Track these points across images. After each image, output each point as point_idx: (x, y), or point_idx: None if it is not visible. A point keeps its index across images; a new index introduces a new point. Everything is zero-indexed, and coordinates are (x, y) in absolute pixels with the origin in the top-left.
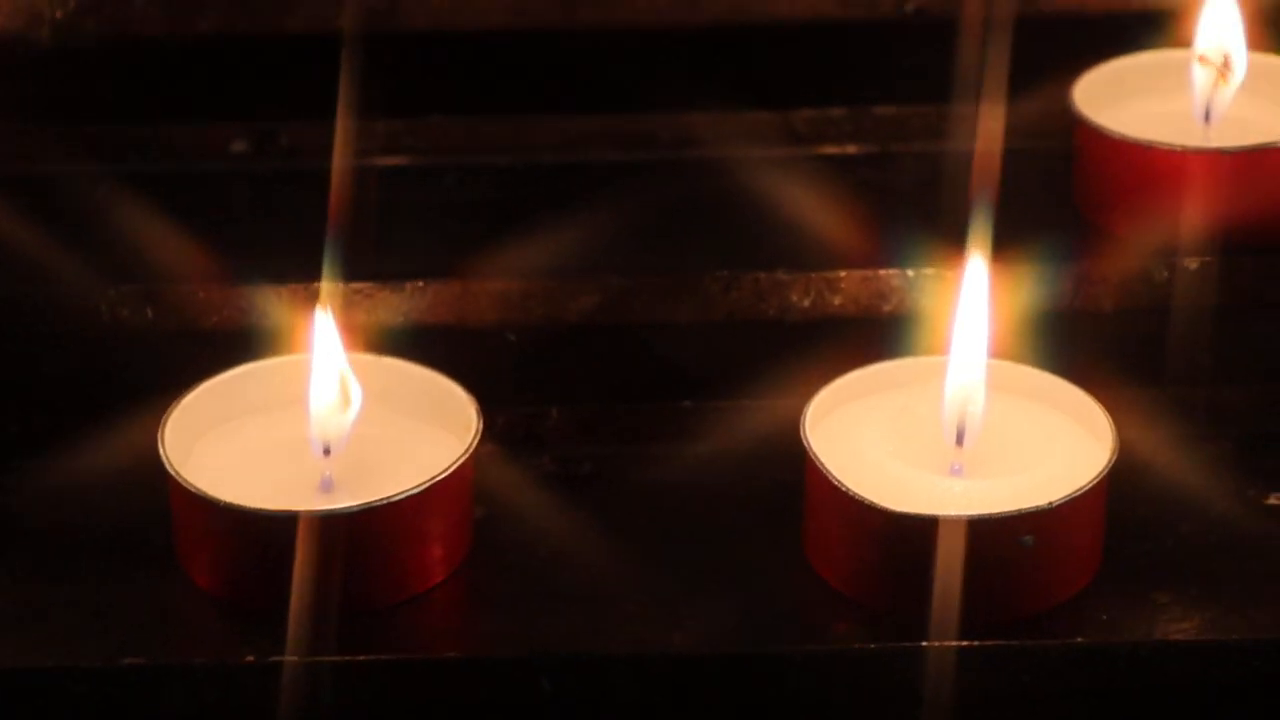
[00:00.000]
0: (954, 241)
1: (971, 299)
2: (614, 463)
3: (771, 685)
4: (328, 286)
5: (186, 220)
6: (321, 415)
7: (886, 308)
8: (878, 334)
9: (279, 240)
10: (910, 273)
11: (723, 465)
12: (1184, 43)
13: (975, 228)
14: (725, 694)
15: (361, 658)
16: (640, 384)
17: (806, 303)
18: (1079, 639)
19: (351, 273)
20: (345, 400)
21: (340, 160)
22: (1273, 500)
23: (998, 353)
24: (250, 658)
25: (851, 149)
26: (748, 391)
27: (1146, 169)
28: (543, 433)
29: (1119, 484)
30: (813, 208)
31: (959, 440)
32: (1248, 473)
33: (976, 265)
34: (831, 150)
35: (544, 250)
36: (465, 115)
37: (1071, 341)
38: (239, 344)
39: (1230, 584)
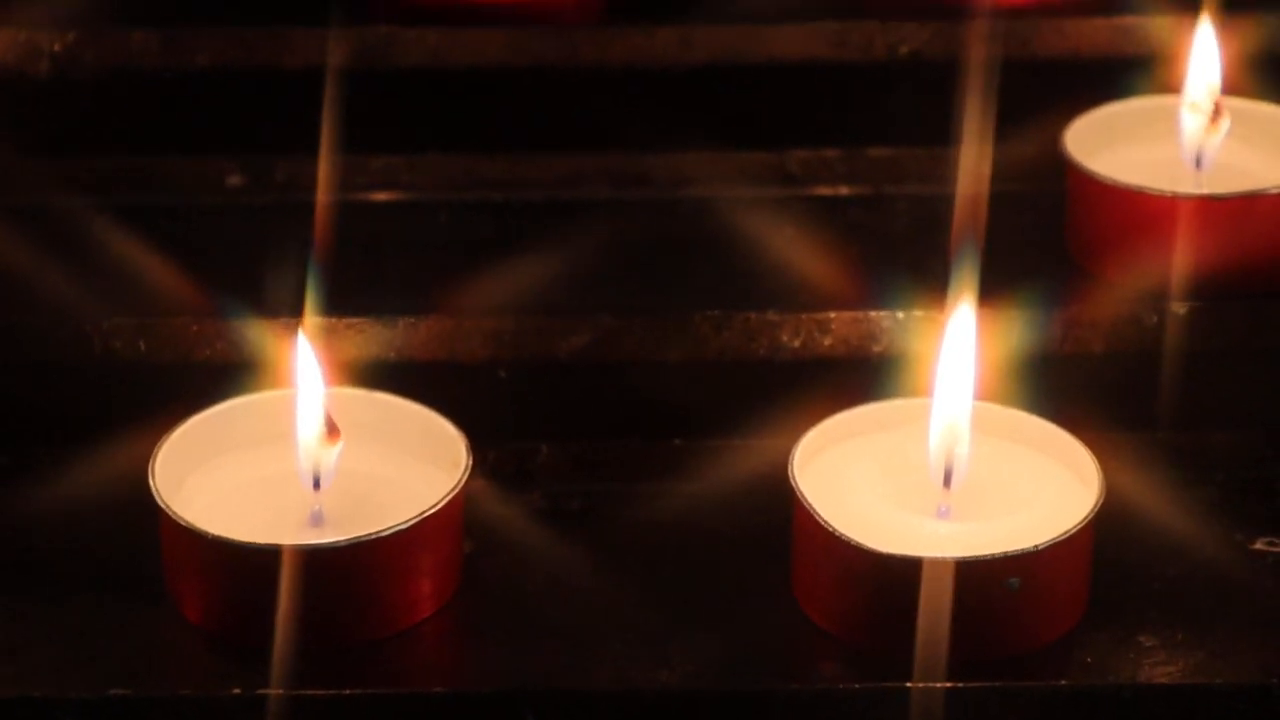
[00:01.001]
0: (946, 284)
1: (957, 341)
2: (604, 500)
3: None
4: (315, 321)
5: (181, 253)
6: (311, 449)
7: (877, 349)
8: (867, 375)
9: (273, 274)
10: (900, 314)
11: (712, 504)
12: (1176, 89)
13: (960, 271)
14: None
15: (348, 691)
16: (630, 422)
17: (797, 343)
18: (1063, 681)
19: (343, 307)
20: (331, 433)
21: (331, 195)
22: (1260, 545)
23: (986, 395)
24: (236, 690)
25: (845, 190)
26: (737, 431)
27: (1137, 214)
28: (533, 469)
29: (1106, 528)
30: (805, 249)
31: (946, 482)
32: (1235, 518)
33: (962, 309)
34: (825, 191)
35: (536, 287)
36: (460, 152)
37: (1060, 385)
38: (231, 377)
39: (1216, 628)
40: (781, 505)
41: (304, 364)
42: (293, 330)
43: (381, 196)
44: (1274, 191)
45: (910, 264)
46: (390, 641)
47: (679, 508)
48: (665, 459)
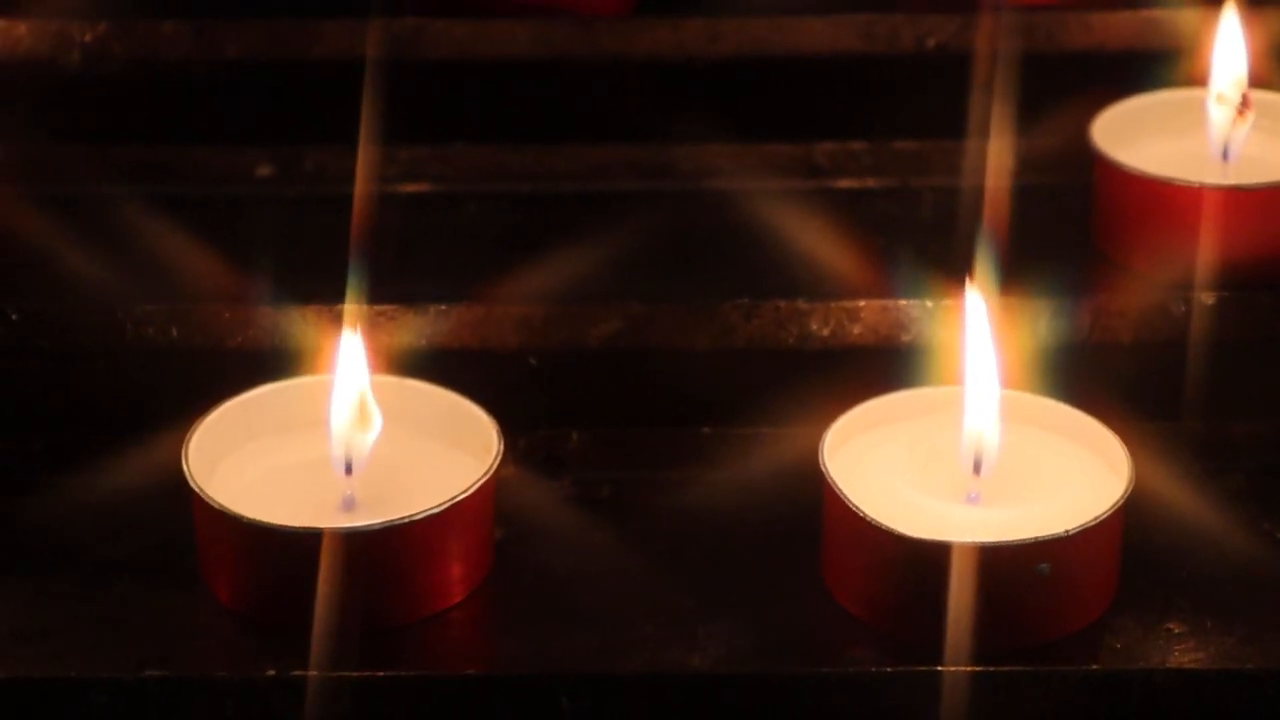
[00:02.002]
0: (973, 274)
1: (986, 329)
2: (633, 487)
3: (786, 707)
4: (353, 308)
5: (211, 242)
6: (344, 434)
7: (905, 338)
8: (896, 363)
9: (302, 263)
10: (929, 303)
11: (741, 491)
12: (1201, 82)
13: (988, 259)
14: (741, 715)
15: (381, 673)
16: (660, 409)
17: (826, 331)
18: (1093, 666)
19: (374, 295)
20: (366, 420)
21: (364, 185)
22: None
23: (1016, 384)
24: (271, 671)
25: (871, 183)
26: (767, 419)
27: (1165, 205)
28: (563, 456)
29: (1135, 516)
30: (833, 239)
31: (976, 469)
32: (1263, 506)
33: (973, 296)
34: (851, 184)
35: (565, 275)
36: (487, 143)
37: (1088, 374)
38: (262, 364)
39: (1244, 615)
40: (810, 493)
41: (348, 350)
42: (323, 317)
43: (410, 188)
44: None
45: (938, 255)
46: (422, 625)
47: (708, 495)
48: (694, 446)
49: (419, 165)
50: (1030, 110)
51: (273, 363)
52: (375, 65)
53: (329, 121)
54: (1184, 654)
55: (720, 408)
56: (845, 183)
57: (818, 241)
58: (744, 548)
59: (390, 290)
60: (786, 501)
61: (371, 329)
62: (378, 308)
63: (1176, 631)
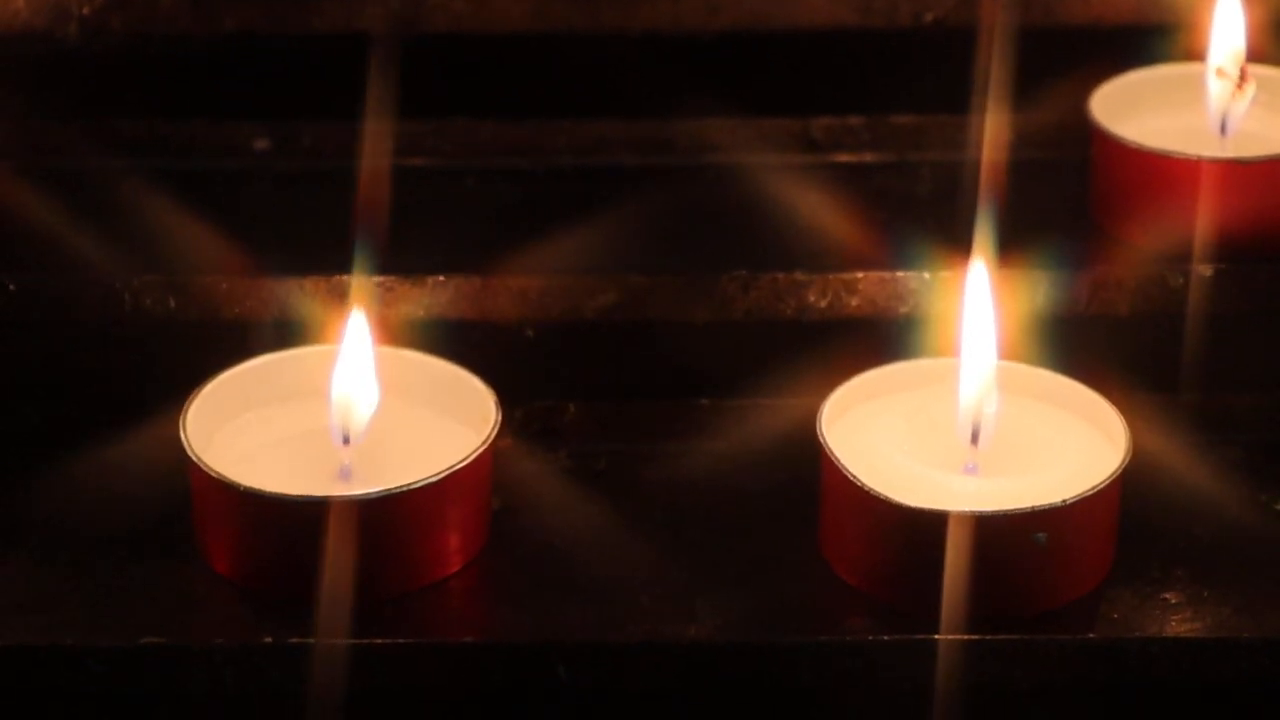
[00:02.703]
0: (970, 247)
1: (977, 299)
2: (630, 459)
3: (784, 676)
4: (359, 281)
5: (209, 215)
6: (343, 405)
7: (903, 309)
8: (894, 335)
9: (300, 236)
10: (927, 275)
11: (739, 462)
12: (1199, 56)
13: (986, 230)
14: (738, 684)
15: (379, 641)
16: (657, 381)
17: (824, 303)
18: (1090, 635)
19: (374, 267)
20: (366, 391)
21: (364, 158)
22: None
23: (1014, 355)
24: (268, 639)
25: (869, 157)
26: (764, 390)
27: (1163, 179)
28: (560, 428)
29: (1132, 487)
30: (830, 213)
31: (974, 440)
32: (1260, 478)
33: (976, 266)
34: (849, 158)
35: (563, 250)
36: (486, 118)
37: (1086, 346)
38: (260, 335)
39: (1241, 586)
40: (808, 464)
41: (355, 323)
42: (320, 289)
43: (408, 162)
44: None
45: (935, 228)
46: (419, 594)
47: (706, 466)
48: (692, 418)
49: (417, 139)
50: (1028, 84)
51: (270, 334)
52: (374, 39)
53: (327, 96)
54: (1180, 624)
55: (718, 379)
56: (843, 157)
57: (816, 215)
58: (741, 518)
59: (388, 262)
60: (784, 472)
61: (371, 300)
62: (376, 279)
63: (1173, 602)
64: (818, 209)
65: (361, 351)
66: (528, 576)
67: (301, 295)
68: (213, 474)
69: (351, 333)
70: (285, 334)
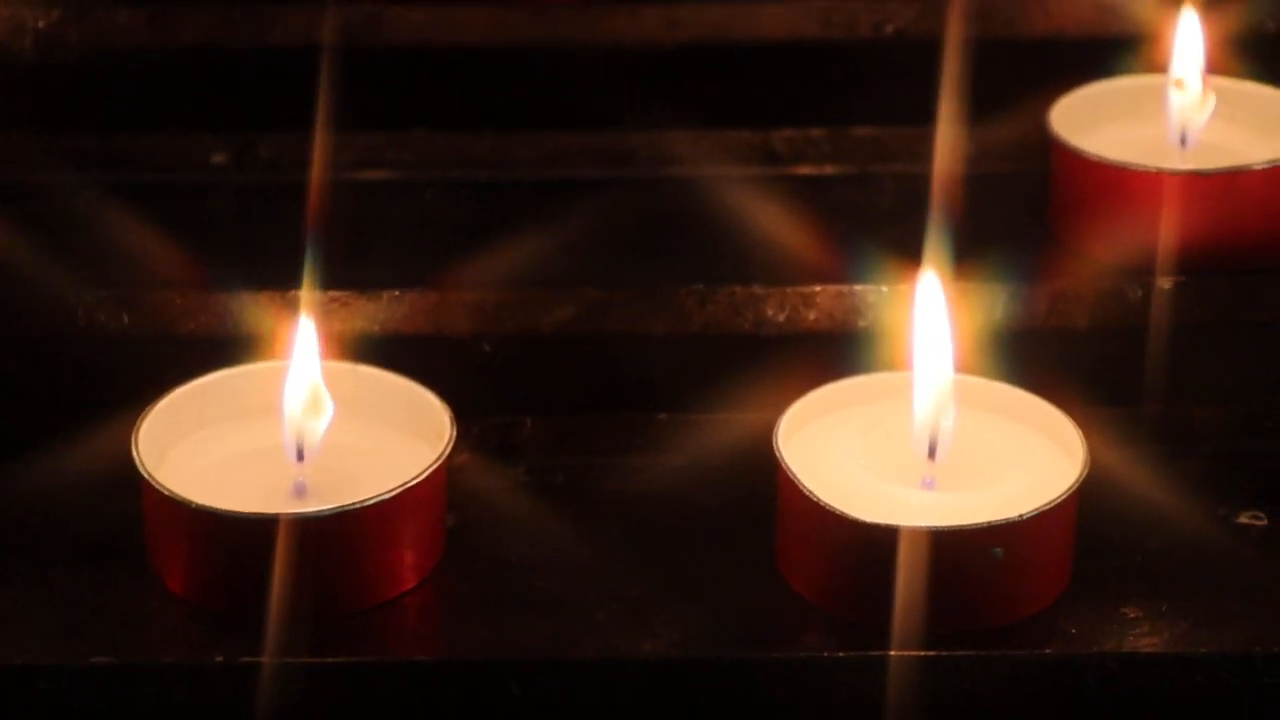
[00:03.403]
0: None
1: (942, 314)
2: (587, 473)
3: (740, 692)
4: (314, 296)
5: (166, 229)
6: (296, 420)
7: (861, 323)
8: (852, 349)
9: (257, 249)
10: (885, 288)
11: (696, 477)
12: (1160, 68)
13: (940, 244)
14: (693, 700)
15: (331, 660)
16: (615, 395)
17: (781, 317)
18: (1046, 650)
19: (328, 282)
20: (319, 406)
21: (319, 170)
22: (1243, 519)
23: (972, 369)
24: (219, 658)
25: (830, 169)
26: (722, 404)
27: (1122, 190)
28: (517, 443)
29: (1090, 500)
30: (790, 226)
31: (931, 454)
32: (1219, 491)
33: (928, 278)
34: (810, 170)
35: (521, 263)
36: (446, 130)
37: (1045, 359)
38: (215, 350)
39: (1199, 600)
40: (765, 479)
41: (302, 336)
42: (275, 303)
43: (367, 174)
44: (1258, 168)
45: (895, 241)
46: (373, 612)
47: (663, 481)
48: (649, 432)
49: (376, 152)
50: (990, 96)
51: (225, 349)
52: (332, 52)
53: (285, 109)
54: (1139, 638)
55: (676, 393)
56: (804, 169)
57: (777, 228)
58: (698, 533)
59: (344, 276)
60: (741, 487)
61: (325, 315)
62: (331, 294)
63: (1131, 616)
64: (778, 221)
65: (310, 365)
66: (483, 592)
67: (257, 310)
68: (164, 491)
69: (299, 347)
70: (241, 349)
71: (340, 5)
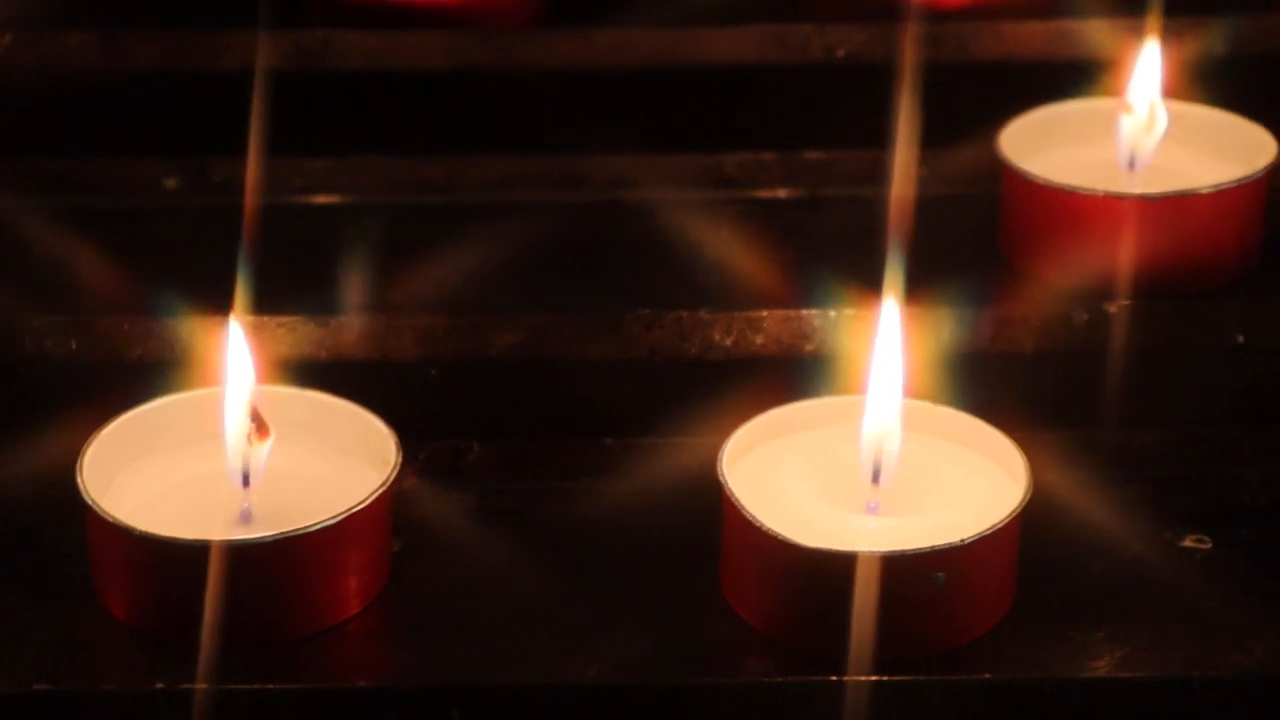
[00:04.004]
0: (879, 284)
1: (886, 339)
2: (535, 498)
3: (684, 717)
4: (240, 316)
5: (118, 255)
6: (239, 446)
7: (808, 347)
8: (799, 373)
9: (208, 275)
10: (831, 313)
11: (643, 502)
12: (1111, 92)
13: (890, 269)
14: None
15: (272, 686)
16: (562, 420)
17: (728, 342)
18: (987, 675)
19: (277, 306)
20: (262, 430)
21: (267, 197)
22: (1188, 542)
23: (918, 393)
24: (160, 684)
25: (781, 193)
26: (669, 429)
27: (1070, 214)
28: (464, 468)
29: (1035, 524)
30: (741, 250)
31: (875, 479)
32: (1163, 514)
33: (888, 305)
34: (762, 194)
35: (470, 287)
36: (398, 155)
37: (992, 383)
38: (163, 376)
39: (1142, 624)
40: (712, 504)
41: (234, 359)
42: (224, 329)
43: (321, 199)
44: (1205, 192)
45: (846, 265)
46: (317, 638)
47: (610, 506)
48: (597, 457)
49: (329, 176)
50: (942, 120)
51: (174, 375)
52: (285, 76)
53: (238, 133)
54: (1080, 663)
55: (623, 418)
56: (756, 193)
57: (728, 251)
58: (645, 558)
59: (294, 302)
60: (688, 512)
61: (272, 340)
62: (278, 319)
63: (1074, 639)
64: (729, 245)
65: (247, 390)
66: (427, 618)
67: (205, 336)
68: (107, 518)
69: (232, 371)
70: (189, 375)
71: (293, 30)
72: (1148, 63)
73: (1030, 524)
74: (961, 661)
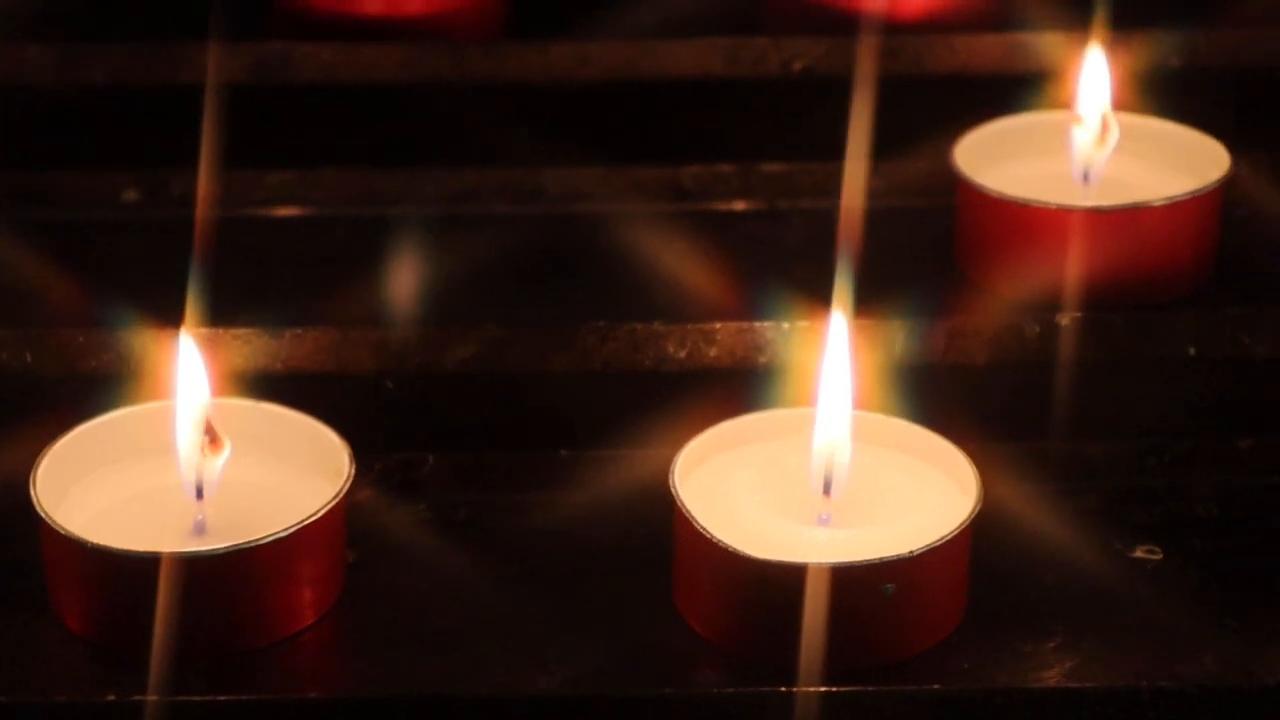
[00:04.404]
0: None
1: (837, 351)
2: (489, 510)
3: None
4: (191, 328)
5: (75, 268)
6: (191, 458)
7: (762, 359)
8: (753, 385)
9: (165, 288)
10: (785, 325)
11: (597, 514)
12: (1065, 105)
13: (840, 281)
14: None
15: (225, 698)
16: (516, 432)
17: (682, 354)
18: (937, 685)
19: (232, 319)
20: (215, 442)
21: (224, 209)
22: (1139, 553)
23: (870, 404)
24: (112, 696)
25: (739, 205)
26: (623, 441)
27: (1024, 227)
28: (419, 479)
29: (986, 535)
30: (698, 262)
31: (826, 490)
32: (1114, 526)
33: (836, 318)
34: (719, 206)
35: (425, 300)
36: (356, 167)
37: (945, 394)
38: (119, 388)
39: (1092, 635)
40: (665, 515)
41: (185, 372)
42: (178, 341)
43: (279, 211)
44: (1157, 204)
45: (802, 277)
46: (271, 650)
47: (564, 517)
48: (551, 469)
49: (287, 189)
50: (897, 133)
51: (130, 387)
52: (242, 89)
53: (196, 146)
54: (1030, 673)
55: (577, 430)
56: (713, 205)
57: (685, 264)
58: (598, 570)
59: (249, 314)
60: (642, 524)
61: (226, 352)
62: (233, 331)
63: (1024, 650)
64: (686, 257)
65: (199, 403)
66: (381, 629)
67: (159, 348)
68: (60, 531)
69: (184, 385)
70: (144, 387)
71: (251, 43)
72: (1094, 74)
73: (981, 535)
74: (912, 672)
